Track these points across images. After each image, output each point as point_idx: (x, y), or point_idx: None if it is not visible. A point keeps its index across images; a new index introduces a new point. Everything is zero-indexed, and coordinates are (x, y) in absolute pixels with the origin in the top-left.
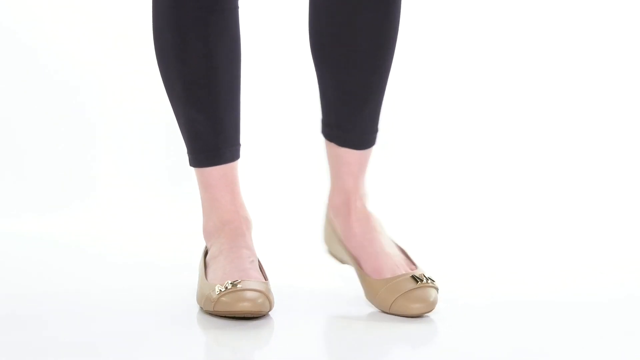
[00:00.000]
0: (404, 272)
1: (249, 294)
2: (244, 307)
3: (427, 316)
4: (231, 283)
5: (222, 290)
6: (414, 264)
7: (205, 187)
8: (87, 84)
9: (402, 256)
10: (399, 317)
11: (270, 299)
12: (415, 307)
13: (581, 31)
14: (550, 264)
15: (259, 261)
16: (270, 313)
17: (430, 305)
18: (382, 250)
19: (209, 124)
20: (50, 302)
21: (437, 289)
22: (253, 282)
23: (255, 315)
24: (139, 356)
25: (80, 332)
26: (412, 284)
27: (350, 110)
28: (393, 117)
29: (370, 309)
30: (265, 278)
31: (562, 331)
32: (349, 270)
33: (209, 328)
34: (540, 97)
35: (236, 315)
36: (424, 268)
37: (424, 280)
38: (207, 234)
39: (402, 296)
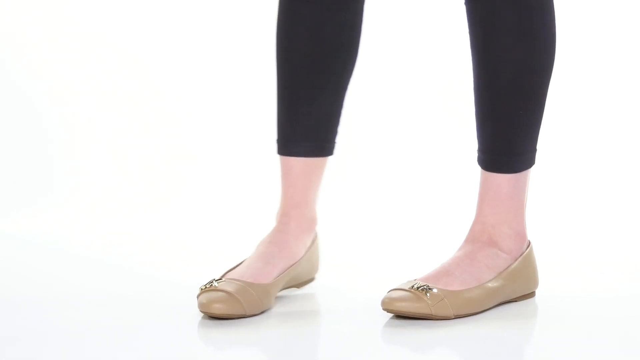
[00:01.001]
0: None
1: (220, 295)
2: (215, 309)
3: (428, 319)
4: (211, 281)
5: (202, 288)
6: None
7: (280, 175)
8: (70, 81)
9: (474, 280)
10: (399, 319)
11: (248, 300)
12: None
13: (581, 31)
14: (550, 264)
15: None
16: (267, 314)
17: (387, 304)
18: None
19: (287, 114)
20: (38, 302)
21: (416, 296)
22: (232, 282)
23: (229, 317)
24: (131, 356)
25: (66, 332)
26: (407, 285)
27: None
28: (394, 118)
29: (370, 310)
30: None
31: (563, 331)
32: (348, 271)
33: (206, 327)
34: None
35: (212, 317)
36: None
37: (412, 287)
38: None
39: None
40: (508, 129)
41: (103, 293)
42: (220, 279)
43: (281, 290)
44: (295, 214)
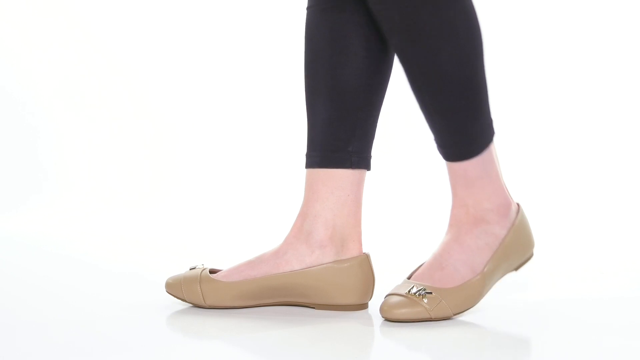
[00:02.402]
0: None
1: (176, 276)
2: (166, 284)
3: (429, 320)
4: (195, 267)
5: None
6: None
7: None
8: (81, 83)
9: (466, 273)
10: (396, 322)
11: (188, 289)
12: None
13: (581, 31)
14: (551, 264)
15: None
16: (265, 313)
17: (386, 312)
18: (446, 263)
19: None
20: (43, 304)
21: (412, 300)
22: (194, 271)
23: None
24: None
25: (58, 332)
26: (403, 289)
27: (428, 124)
28: (395, 119)
29: (368, 309)
30: None
31: (563, 331)
32: None
33: (201, 325)
34: (540, 99)
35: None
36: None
37: (409, 291)
38: None
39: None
40: (456, 121)
41: (98, 294)
42: (204, 268)
43: (274, 300)
44: (296, 224)
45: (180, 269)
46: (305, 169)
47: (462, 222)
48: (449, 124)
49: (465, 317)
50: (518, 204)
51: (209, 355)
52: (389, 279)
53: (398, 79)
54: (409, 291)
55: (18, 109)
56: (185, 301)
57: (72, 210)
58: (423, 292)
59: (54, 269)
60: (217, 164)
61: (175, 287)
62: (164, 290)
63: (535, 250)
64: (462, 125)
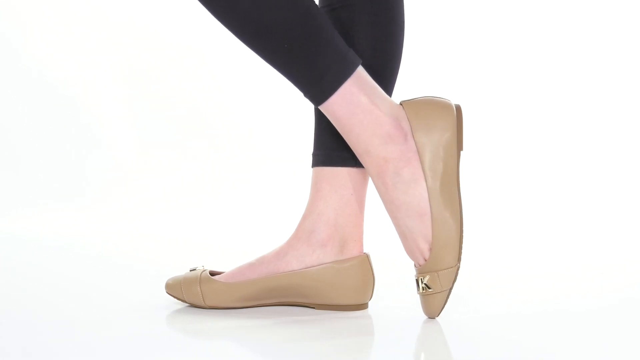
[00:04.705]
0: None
1: (176, 277)
2: (166, 285)
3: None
4: (195, 268)
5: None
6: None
7: None
8: (81, 84)
9: (421, 231)
10: (394, 318)
11: (188, 290)
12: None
13: (581, 32)
14: (548, 266)
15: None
16: (262, 313)
17: (432, 314)
18: (398, 226)
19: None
20: (44, 302)
21: (441, 292)
22: (194, 272)
23: (173, 296)
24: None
25: (73, 334)
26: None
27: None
28: None
29: (365, 309)
30: None
31: (564, 331)
32: None
33: (206, 325)
34: (540, 100)
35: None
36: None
37: (422, 289)
38: None
39: None
40: (294, 60)
41: (97, 294)
42: (204, 269)
43: (274, 300)
44: (300, 224)
45: (181, 270)
46: (312, 168)
47: (373, 175)
48: (289, 64)
49: (465, 316)
50: (400, 104)
51: (208, 355)
52: (389, 279)
53: (404, 79)
54: (420, 290)
55: (36, 108)
56: (185, 302)
57: (70, 210)
58: (424, 285)
59: (53, 269)
60: (222, 165)
61: (175, 288)
62: (164, 291)
63: (531, 243)
64: (303, 63)
